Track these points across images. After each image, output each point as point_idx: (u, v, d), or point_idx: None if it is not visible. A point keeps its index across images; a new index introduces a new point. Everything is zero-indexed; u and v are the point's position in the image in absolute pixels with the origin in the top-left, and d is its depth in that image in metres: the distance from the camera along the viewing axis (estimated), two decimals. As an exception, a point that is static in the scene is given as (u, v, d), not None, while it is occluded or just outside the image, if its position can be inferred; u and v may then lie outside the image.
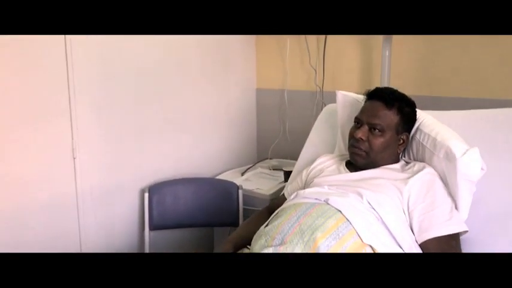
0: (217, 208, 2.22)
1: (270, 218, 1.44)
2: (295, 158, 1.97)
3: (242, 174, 2.52)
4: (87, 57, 1.86)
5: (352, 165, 1.60)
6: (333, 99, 1.89)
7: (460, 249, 1.36)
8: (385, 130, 1.52)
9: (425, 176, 1.43)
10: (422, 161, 1.54)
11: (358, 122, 1.57)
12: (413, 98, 1.59)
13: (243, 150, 2.76)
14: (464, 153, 1.38)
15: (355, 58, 2.36)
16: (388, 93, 1.56)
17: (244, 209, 2.21)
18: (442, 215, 1.36)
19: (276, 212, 1.45)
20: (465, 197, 1.39)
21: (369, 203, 1.38)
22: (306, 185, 1.66)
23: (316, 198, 1.41)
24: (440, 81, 2.11)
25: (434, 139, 1.49)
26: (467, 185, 1.39)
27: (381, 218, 1.35)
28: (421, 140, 1.54)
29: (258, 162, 2.69)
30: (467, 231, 1.37)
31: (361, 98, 1.70)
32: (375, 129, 1.52)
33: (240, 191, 2.24)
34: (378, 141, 1.52)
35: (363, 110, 1.58)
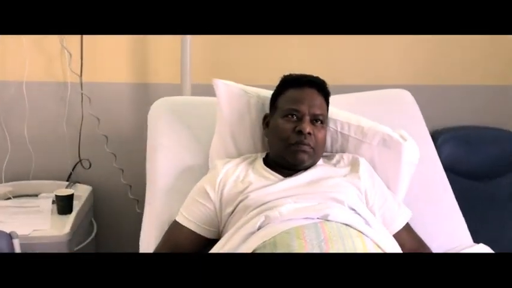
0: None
1: None
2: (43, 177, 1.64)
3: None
4: None
5: (278, 168, 1.29)
6: (97, 91, 1.58)
7: None
8: (324, 121, 1.31)
9: (367, 167, 1.32)
10: (342, 151, 1.40)
11: (297, 113, 1.27)
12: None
13: None
14: (405, 138, 1.36)
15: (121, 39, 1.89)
16: (316, 78, 1.34)
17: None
18: (394, 204, 1.31)
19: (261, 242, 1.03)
20: (406, 181, 1.37)
21: (353, 209, 1.19)
22: (226, 203, 1.23)
23: (307, 218, 1.09)
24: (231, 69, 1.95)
25: (360, 127, 1.38)
26: (411, 169, 1.37)
27: (365, 219, 1.18)
28: (339, 130, 1.39)
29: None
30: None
31: (251, 89, 1.43)
32: (317, 120, 1.28)
33: (16, 241, 1.43)
34: (322, 135, 1.29)
35: (300, 100, 1.29)
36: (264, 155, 1.36)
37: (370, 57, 2.04)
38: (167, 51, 1.89)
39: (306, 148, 1.25)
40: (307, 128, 1.25)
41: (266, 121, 1.36)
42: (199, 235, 1.24)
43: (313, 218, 1.09)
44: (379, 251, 1.07)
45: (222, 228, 1.25)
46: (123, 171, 1.92)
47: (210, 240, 1.24)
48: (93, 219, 1.88)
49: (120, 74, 1.91)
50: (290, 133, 1.25)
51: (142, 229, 1.36)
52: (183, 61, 1.81)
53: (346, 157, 1.35)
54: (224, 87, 1.41)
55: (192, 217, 1.25)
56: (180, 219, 1.26)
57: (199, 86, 1.84)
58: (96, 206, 1.90)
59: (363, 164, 1.31)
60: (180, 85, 1.83)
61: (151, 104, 1.88)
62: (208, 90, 1.77)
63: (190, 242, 1.23)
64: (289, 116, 1.27)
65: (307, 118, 1.27)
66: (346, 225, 1.09)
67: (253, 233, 1.09)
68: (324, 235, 1.03)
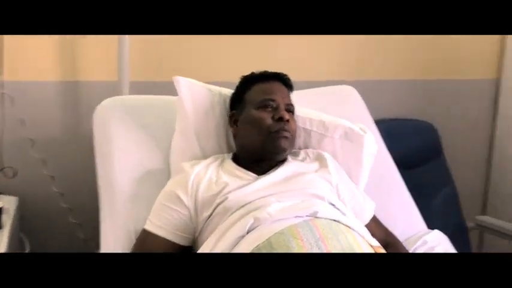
0: None
1: None
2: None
3: None
4: None
5: (251, 166, 1.26)
6: (21, 91, 1.49)
7: None
8: (294, 113, 1.32)
9: (334, 162, 1.35)
10: (305, 146, 1.41)
11: (273, 103, 1.26)
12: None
13: None
14: (365, 131, 1.40)
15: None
16: (281, 73, 1.34)
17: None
18: (360, 196, 1.35)
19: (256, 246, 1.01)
20: (366, 172, 1.41)
21: (332, 204, 1.21)
22: (202, 207, 1.18)
23: (296, 216, 1.09)
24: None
25: (322, 121, 1.41)
26: (371, 161, 1.42)
27: (344, 214, 1.21)
28: (301, 125, 1.40)
29: None
30: None
31: (213, 87, 1.40)
32: (289, 111, 1.29)
33: None
34: (295, 125, 1.32)
35: (273, 91, 1.28)
36: (231, 155, 1.33)
37: (302, 56, 2.07)
38: (100, 47, 1.74)
39: (288, 135, 1.25)
40: (286, 115, 1.24)
41: (233, 119, 1.32)
42: (174, 243, 1.17)
43: (302, 216, 1.09)
44: (366, 244, 1.09)
45: (197, 234, 1.19)
46: (53, 178, 1.74)
47: (185, 248, 1.19)
48: (21, 234, 1.68)
49: (47, 71, 1.72)
50: (270, 122, 1.23)
51: (102, 242, 1.25)
52: (120, 58, 1.68)
53: (311, 153, 1.36)
54: (187, 84, 1.35)
55: (165, 224, 1.18)
56: (150, 228, 1.19)
57: (136, 83, 1.73)
58: (24, 218, 1.71)
59: (329, 159, 1.33)
60: (117, 83, 1.70)
61: (83, 103, 1.76)
62: (146, 88, 1.69)
63: (165, 251, 1.16)
64: (265, 107, 1.26)
65: (283, 107, 1.26)
66: (335, 221, 1.10)
67: (242, 236, 1.06)
68: (319, 233, 1.03)
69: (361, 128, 1.40)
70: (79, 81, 1.76)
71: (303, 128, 1.40)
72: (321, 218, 1.09)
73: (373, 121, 1.69)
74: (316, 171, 1.29)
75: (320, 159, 1.33)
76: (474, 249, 2.23)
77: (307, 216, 1.09)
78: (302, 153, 1.35)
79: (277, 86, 1.30)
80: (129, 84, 1.71)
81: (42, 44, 1.69)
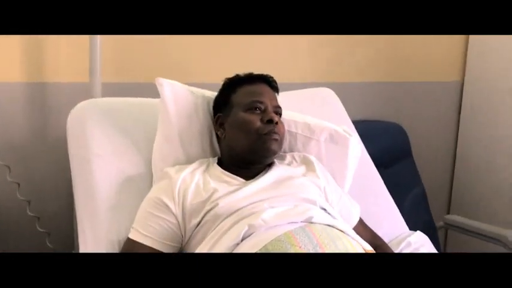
0: None
1: None
2: None
3: None
4: None
5: (238, 171, 1.24)
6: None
7: None
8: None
9: (321, 165, 1.34)
10: (291, 149, 1.39)
11: (261, 105, 1.23)
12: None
13: None
14: (350, 134, 1.40)
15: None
16: (267, 75, 1.32)
17: None
18: (346, 199, 1.35)
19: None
20: (351, 175, 1.41)
21: (323, 208, 1.20)
22: (190, 214, 1.14)
23: (291, 222, 1.07)
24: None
25: (307, 124, 1.40)
26: (356, 163, 1.42)
27: (335, 218, 1.20)
28: (286, 128, 1.38)
29: None
30: None
31: (195, 89, 1.37)
32: (277, 113, 1.27)
33: None
34: (284, 128, 1.29)
35: (261, 93, 1.25)
36: (216, 160, 1.29)
37: (273, 57, 2.05)
38: (69, 47, 1.66)
39: (277, 137, 1.23)
40: (276, 117, 1.22)
41: (219, 122, 1.29)
42: (162, 253, 1.12)
43: (297, 222, 1.07)
44: (361, 248, 1.08)
45: (185, 242, 1.15)
46: (19, 185, 1.64)
47: (172, 257, 1.14)
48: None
49: (12, 72, 1.62)
50: (259, 124, 1.20)
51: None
52: (92, 58, 1.60)
53: (297, 156, 1.35)
54: (170, 86, 1.30)
55: (151, 233, 1.13)
56: (135, 237, 1.13)
57: (108, 85, 1.65)
58: (-13, 228, 1.60)
59: (316, 162, 1.32)
60: (89, 84, 1.62)
61: (52, 106, 1.67)
62: (119, 90, 1.62)
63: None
64: (253, 109, 1.23)
65: (271, 109, 1.24)
66: (330, 226, 1.09)
67: (237, 244, 1.03)
68: (316, 239, 1.01)
69: (345, 131, 1.40)
70: (47, 82, 1.67)
71: (289, 130, 1.38)
72: (316, 223, 1.07)
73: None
74: (304, 174, 1.28)
75: (307, 162, 1.32)
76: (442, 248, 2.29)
77: (302, 222, 1.07)
78: (288, 157, 1.33)
79: (264, 88, 1.28)
80: (101, 85, 1.64)
81: (7, 43, 1.58)
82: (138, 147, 1.32)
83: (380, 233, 1.38)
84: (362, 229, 1.32)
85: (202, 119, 1.32)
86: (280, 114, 1.28)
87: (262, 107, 1.23)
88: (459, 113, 2.41)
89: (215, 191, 1.15)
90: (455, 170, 2.44)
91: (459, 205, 2.40)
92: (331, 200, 1.27)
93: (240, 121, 1.22)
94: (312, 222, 1.07)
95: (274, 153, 1.23)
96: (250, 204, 1.12)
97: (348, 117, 1.67)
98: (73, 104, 1.43)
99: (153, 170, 1.29)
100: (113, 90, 1.62)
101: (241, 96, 1.26)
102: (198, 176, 1.20)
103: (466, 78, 2.37)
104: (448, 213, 2.39)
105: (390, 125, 2.27)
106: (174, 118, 1.29)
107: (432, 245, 1.43)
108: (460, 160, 2.42)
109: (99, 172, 1.25)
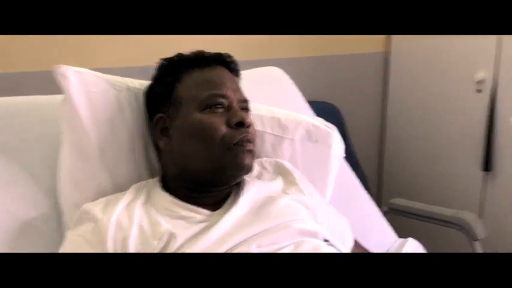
0: None
1: None
2: None
3: None
4: None
5: (195, 196, 0.84)
6: None
7: None
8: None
9: (299, 174, 1.00)
10: (257, 155, 1.01)
11: (224, 100, 0.85)
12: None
13: None
14: (331, 127, 1.09)
15: None
16: (226, 54, 0.92)
17: None
18: (334, 214, 1.03)
19: None
20: (334, 176, 1.10)
21: (326, 240, 0.87)
22: None
23: None
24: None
25: (276, 118, 1.05)
26: (338, 162, 1.10)
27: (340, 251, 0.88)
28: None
29: None
30: None
31: (113, 78, 0.93)
32: (244, 109, 0.89)
33: None
34: (255, 130, 0.91)
35: (221, 82, 0.86)
36: (157, 182, 0.88)
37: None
38: None
39: (251, 146, 0.85)
40: (247, 117, 0.85)
41: (160, 127, 0.87)
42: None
43: None
44: None
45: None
46: None
47: None
48: None
49: None
50: (225, 130, 0.82)
51: None
52: None
53: (268, 164, 0.99)
54: (77, 78, 0.85)
55: None
56: None
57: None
58: None
59: (293, 170, 0.98)
60: None
61: None
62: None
63: None
64: (213, 106, 0.83)
65: (237, 105, 0.86)
66: None
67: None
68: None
69: (325, 124, 1.08)
70: None
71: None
72: None
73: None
74: (284, 191, 0.92)
75: (282, 172, 0.97)
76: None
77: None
78: (256, 166, 0.96)
79: (225, 75, 0.89)
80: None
81: None
82: (31, 173, 0.85)
83: (370, 244, 1.09)
84: (359, 251, 1.01)
85: (131, 121, 0.90)
86: (247, 110, 0.90)
87: (226, 103, 0.85)
88: (385, 84, 2.22)
89: (171, 236, 0.75)
90: (385, 147, 2.26)
91: (396, 187, 2.23)
92: (320, 221, 0.94)
93: (196, 126, 0.82)
94: None
95: (249, 169, 0.85)
96: (231, 249, 0.75)
97: (302, 97, 1.35)
98: None
99: (61, 206, 0.84)
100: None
101: (191, 87, 0.86)
102: (138, 212, 0.79)
103: (392, 48, 2.19)
104: (392, 197, 2.21)
105: (324, 106, 2.00)
106: (88, 124, 0.84)
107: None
108: (388, 137, 2.24)
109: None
